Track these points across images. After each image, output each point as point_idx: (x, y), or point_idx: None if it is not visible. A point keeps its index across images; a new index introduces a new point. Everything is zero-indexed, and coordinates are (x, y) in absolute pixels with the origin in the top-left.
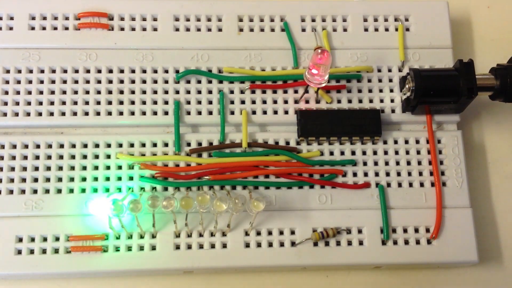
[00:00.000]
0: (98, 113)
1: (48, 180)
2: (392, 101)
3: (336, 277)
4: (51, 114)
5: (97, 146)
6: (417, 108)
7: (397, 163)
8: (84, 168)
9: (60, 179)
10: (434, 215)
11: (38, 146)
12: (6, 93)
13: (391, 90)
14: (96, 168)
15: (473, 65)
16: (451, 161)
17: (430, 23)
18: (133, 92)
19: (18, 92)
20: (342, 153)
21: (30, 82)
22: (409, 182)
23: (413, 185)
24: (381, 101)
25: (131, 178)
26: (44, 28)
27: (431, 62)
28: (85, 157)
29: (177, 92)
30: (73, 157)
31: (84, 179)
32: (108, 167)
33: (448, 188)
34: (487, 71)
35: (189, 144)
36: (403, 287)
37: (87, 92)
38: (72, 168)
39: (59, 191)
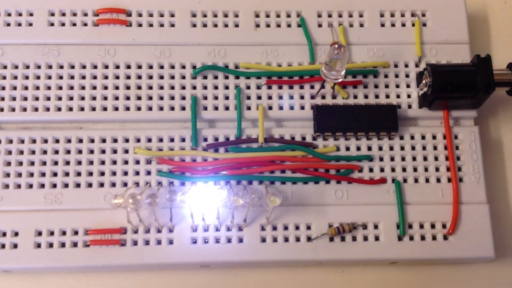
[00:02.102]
0: (116, 108)
1: (67, 174)
2: (408, 96)
3: (352, 272)
4: (70, 109)
5: (115, 141)
6: (434, 103)
7: (414, 159)
8: (103, 162)
9: (79, 174)
10: (451, 210)
11: (57, 141)
12: (26, 88)
13: (408, 86)
14: (114, 162)
15: (491, 60)
16: (468, 156)
17: (447, 19)
18: (150, 88)
19: (37, 88)
20: (359, 148)
21: (50, 77)
22: (425, 178)
23: (429, 180)
24: (398, 96)
25: (148, 173)
26: (63, 24)
27: (448, 57)
28: (103, 151)
29: (194, 87)
30: (91, 151)
31: (102, 174)
32: (126, 162)
33: (465, 184)
34: (504, 66)
35: (206, 139)
36: (419, 282)
37: (106, 88)
38: (91, 162)
39: (78, 185)
